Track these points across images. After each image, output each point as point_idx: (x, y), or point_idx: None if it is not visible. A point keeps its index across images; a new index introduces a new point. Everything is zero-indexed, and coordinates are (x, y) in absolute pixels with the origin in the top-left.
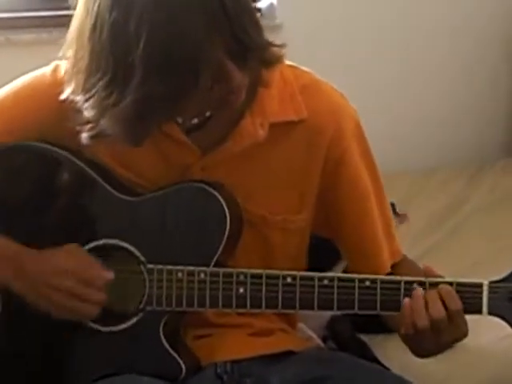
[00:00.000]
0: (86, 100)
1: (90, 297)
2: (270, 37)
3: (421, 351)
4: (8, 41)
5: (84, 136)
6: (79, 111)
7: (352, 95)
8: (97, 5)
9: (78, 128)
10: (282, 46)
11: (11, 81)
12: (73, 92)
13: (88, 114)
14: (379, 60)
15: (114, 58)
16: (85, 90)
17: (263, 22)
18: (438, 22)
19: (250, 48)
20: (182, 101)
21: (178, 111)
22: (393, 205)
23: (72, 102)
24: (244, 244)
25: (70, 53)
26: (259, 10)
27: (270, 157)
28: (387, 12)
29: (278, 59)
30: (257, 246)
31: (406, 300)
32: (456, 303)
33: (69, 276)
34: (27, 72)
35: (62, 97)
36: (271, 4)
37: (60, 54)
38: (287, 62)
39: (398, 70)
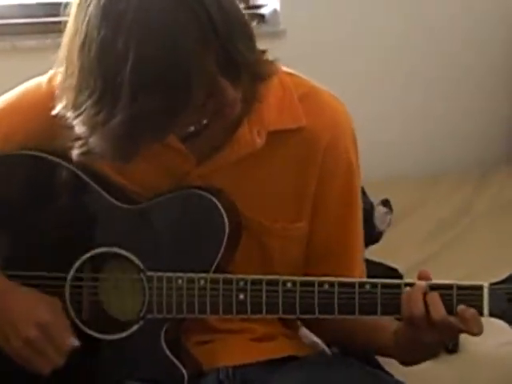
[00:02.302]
0: (76, 117)
1: (50, 357)
2: (273, 43)
3: (413, 352)
4: (13, 47)
5: (75, 153)
6: (70, 127)
7: (354, 101)
8: (86, 22)
9: (69, 144)
10: (274, 60)
11: (16, 86)
12: (64, 107)
13: (78, 130)
14: (382, 67)
15: (102, 76)
16: (75, 107)
17: (266, 29)
18: (441, 32)
19: (241, 64)
20: (173, 118)
21: (170, 128)
22: (388, 201)
23: (63, 117)
24: (242, 251)
25: (62, 68)
26: (263, 16)
27: (268, 164)
28: (391, 18)
29: (271, 74)
30: (255, 253)
31: (407, 289)
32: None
33: (38, 328)
34: (32, 78)
35: (54, 112)
36: (275, 10)
37: (53, 68)
38: (286, 70)
39: (402, 77)
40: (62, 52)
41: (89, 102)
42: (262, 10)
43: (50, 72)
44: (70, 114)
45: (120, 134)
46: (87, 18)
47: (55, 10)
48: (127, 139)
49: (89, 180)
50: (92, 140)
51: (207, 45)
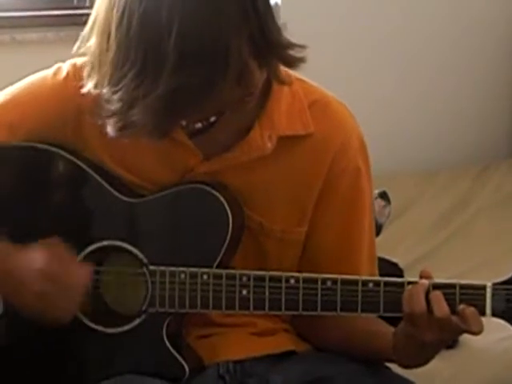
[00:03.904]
0: (114, 92)
1: (65, 300)
2: None
3: (412, 353)
4: (14, 40)
5: (110, 129)
6: (100, 106)
7: (354, 95)
8: None
9: (100, 122)
10: (302, 46)
11: (17, 80)
12: (96, 85)
13: (114, 106)
14: (383, 60)
15: (144, 48)
16: (112, 82)
17: None
18: (441, 25)
19: (274, 45)
20: (210, 93)
21: (205, 105)
22: (385, 193)
23: (85, 99)
24: (240, 249)
25: (93, 45)
26: None
27: (275, 168)
28: (391, 13)
29: (300, 60)
30: (250, 253)
31: (409, 287)
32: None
33: (47, 279)
34: (33, 71)
35: (83, 91)
36: (275, 4)
37: (74, 48)
38: (296, 76)
39: (402, 69)
40: (92, 29)
41: (129, 75)
42: None
43: (56, 66)
44: (105, 91)
45: (161, 106)
46: None
47: (56, 3)
48: (167, 111)
49: (92, 173)
50: (130, 114)
51: (246, 21)
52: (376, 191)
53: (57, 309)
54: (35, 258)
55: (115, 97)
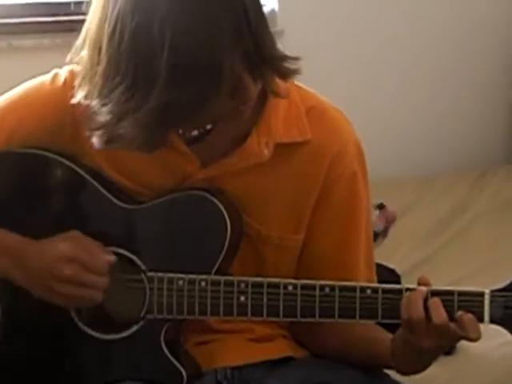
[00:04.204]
0: (103, 105)
1: (94, 283)
2: None
3: (410, 360)
4: (10, 46)
5: (96, 141)
6: (89, 117)
7: (354, 101)
8: (116, 9)
9: (88, 133)
10: (296, 58)
11: (13, 86)
12: (86, 96)
13: (103, 118)
14: (380, 66)
15: (135, 62)
16: (101, 95)
17: None
18: (440, 30)
19: (268, 58)
20: (202, 108)
21: (197, 118)
22: (382, 205)
23: (80, 107)
24: (238, 256)
25: (84, 56)
26: None
27: (272, 175)
28: (390, 18)
29: (294, 71)
30: (249, 259)
31: (407, 293)
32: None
33: (71, 263)
34: (30, 77)
35: (74, 101)
36: (272, 10)
37: (67, 58)
38: (293, 83)
39: (400, 76)
40: (85, 40)
41: (120, 89)
42: None
43: (53, 72)
44: (95, 102)
45: (151, 120)
46: (118, 5)
47: (52, 9)
48: (158, 126)
49: (91, 179)
50: (119, 128)
51: (240, 36)
52: (374, 203)
53: (85, 290)
54: (60, 247)
55: (104, 109)
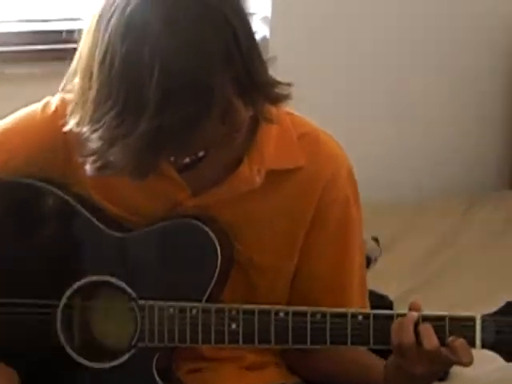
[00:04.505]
0: (94, 130)
1: None
2: None
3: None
4: (2, 74)
5: (88, 168)
6: (81, 144)
7: (346, 130)
8: (107, 36)
9: (80, 160)
10: (288, 84)
11: (6, 114)
12: (78, 123)
13: (94, 144)
14: (372, 95)
15: (125, 87)
16: (93, 121)
17: None
18: (431, 62)
19: (259, 84)
20: (193, 133)
21: (188, 144)
22: (376, 239)
23: (71, 135)
24: (229, 283)
25: (76, 84)
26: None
27: (264, 203)
28: (381, 47)
29: (285, 97)
30: (240, 286)
31: (398, 319)
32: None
33: None
34: (22, 105)
35: (66, 129)
36: (264, 37)
37: (60, 86)
38: (285, 109)
39: (392, 104)
40: (76, 66)
41: (110, 114)
42: None
43: (44, 100)
44: (86, 129)
45: (141, 146)
46: (109, 31)
47: (45, 38)
48: (148, 151)
49: (80, 207)
50: (110, 154)
51: (230, 61)
52: (369, 236)
53: None
54: None
55: (95, 135)
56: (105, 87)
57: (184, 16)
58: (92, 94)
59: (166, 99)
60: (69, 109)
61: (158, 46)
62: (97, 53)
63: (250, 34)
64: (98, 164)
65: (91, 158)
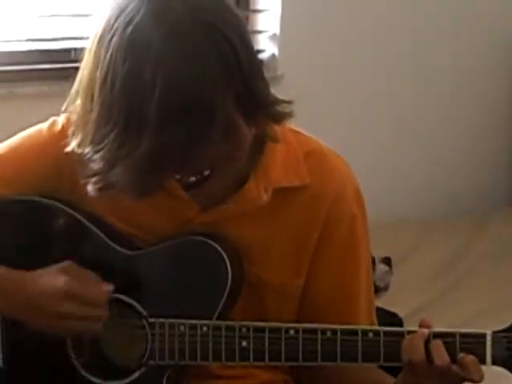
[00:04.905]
0: (96, 152)
1: (93, 316)
2: (271, 88)
3: None
4: (11, 94)
5: (90, 188)
6: (84, 164)
7: (353, 147)
8: (108, 56)
9: (82, 181)
10: (289, 102)
11: (14, 133)
12: (79, 144)
13: (96, 165)
14: (380, 112)
15: (127, 107)
16: (94, 142)
17: (265, 74)
18: (438, 78)
19: (260, 104)
20: (195, 152)
21: (191, 163)
22: (389, 260)
23: (76, 155)
24: (240, 302)
25: (78, 105)
26: (261, 61)
27: (271, 221)
28: (389, 65)
29: (287, 115)
30: (250, 305)
31: (408, 336)
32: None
33: (69, 299)
34: (30, 125)
35: (68, 149)
36: (273, 55)
37: (63, 107)
38: (291, 127)
39: (400, 121)
40: (78, 87)
41: (112, 135)
42: (260, 56)
43: (51, 119)
44: (88, 150)
45: (144, 166)
46: (110, 51)
47: (53, 57)
48: (150, 171)
49: (91, 225)
50: (112, 174)
51: (231, 80)
52: (381, 255)
53: (85, 323)
54: (54, 281)
55: (97, 156)
56: (106, 108)
57: (185, 36)
58: (93, 115)
59: (167, 119)
60: (70, 130)
61: (159, 65)
62: (98, 73)
63: (251, 52)
64: (99, 185)
65: (93, 179)
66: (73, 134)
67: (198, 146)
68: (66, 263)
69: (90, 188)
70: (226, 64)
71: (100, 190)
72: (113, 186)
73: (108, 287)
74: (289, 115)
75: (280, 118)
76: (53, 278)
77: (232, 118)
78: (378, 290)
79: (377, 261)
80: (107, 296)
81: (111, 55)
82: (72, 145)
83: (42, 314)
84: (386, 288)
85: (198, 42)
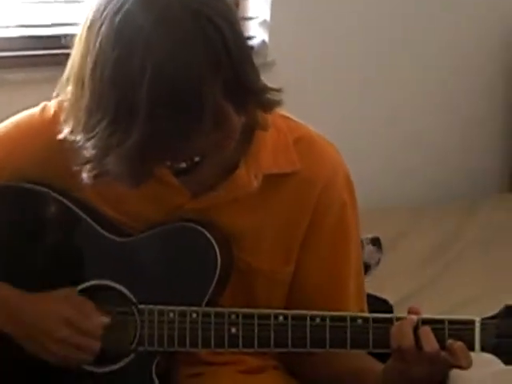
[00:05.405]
0: (88, 139)
1: (86, 346)
2: (262, 74)
3: None
4: (3, 80)
5: (85, 176)
6: (77, 151)
7: (345, 133)
8: (98, 42)
9: (76, 168)
10: (279, 90)
11: (5, 119)
12: (72, 131)
13: (89, 153)
14: (371, 98)
15: (116, 95)
16: (86, 130)
17: (255, 60)
18: (431, 63)
19: (250, 91)
20: (185, 140)
21: (181, 151)
22: (378, 240)
23: (68, 141)
24: (229, 288)
25: (69, 91)
26: (251, 47)
27: (262, 207)
28: (379, 52)
29: (277, 103)
30: (239, 292)
31: (397, 322)
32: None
33: (66, 325)
34: (20, 110)
35: (60, 137)
36: (263, 41)
37: (54, 93)
38: (281, 113)
39: (390, 108)
40: (69, 74)
41: (103, 124)
42: (251, 42)
43: (42, 104)
44: (80, 137)
45: (135, 155)
46: (99, 39)
47: (44, 43)
48: (142, 159)
49: (80, 212)
50: (105, 162)
51: (219, 67)
52: (368, 236)
53: (77, 352)
54: (56, 307)
55: (89, 144)
56: (96, 96)
57: (174, 23)
58: (84, 102)
59: (156, 108)
60: (62, 116)
61: (148, 52)
62: (88, 60)
63: (240, 39)
64: (94, 172)
65: (87, 167)
66: (65, 121)
67: (188, 135)
68: (67, 290)
69: (84, 175)
70: (214, 50)
71: (95, 177)
72: (107, 173)
73: (104, 320)
74: (278, 103)
75: (269, 105)
76: (54, 304)
77: (221, 105)
78: (369, 268)
79: (364, 243)
80: (102, 329)
81: (101, 42)
82: (64, 132)
83: (36, 335)
84: (377, 263)
85: (187, 28)
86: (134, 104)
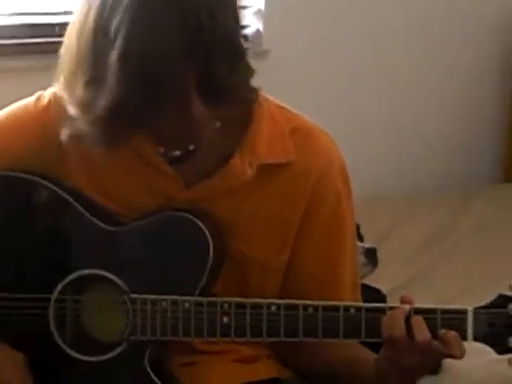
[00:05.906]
0: (71, 98)
1: None
2: (256, 63)
3: (395, 379)
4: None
5: (63, 134)
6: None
7: (339, 122)
8: (86, 11)
9: (63, 134)
10: (256, 89)
11: (2, 107)
12: (62, 89)
13: (72, 111)
14: (366, 87)
15: (93, 57)
16: (69, 87)
17: (250, 49)
18: (426, 51)
19: (221, 87)
20: (150, 117)
21: (151, 129)
22: (374, 251)
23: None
24: (222, 278)
25: (64, 61)
26: (245, 36)
27: (256, 197)
28: (374, 40)
29: (250, 101)
30: (233, 282)
31: (389, 311)
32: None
33: None
34: (17, 99)
35: (52, 90)
36: (257, 30)
37: (53, 80)
38: (277, 103)
39: (385, 96)
40: (64, 44)
41: (80, 83)
42: (245, 31)
43: (37, 93)
44: (65, 95)
45: (104, 118)
46: (88, 8)
47: (39, 31)
48: (111, 124)
49: (72, 201)
50: (82, 121)
51: (190, 53)
52: (365, 245)
53: None
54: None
55: (72, 101)
56: (79, 57)
57: (157, 3)
58: (71, 65)
59: (123, 75)
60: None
61: (124, 19)
62: (76, 26)
63: (219, 29)
64: (71, 130)
65: (67, 123)
66: (58, 77)
67: (151, 112)
68: (13, 352)
69: (62, 132)
70: (186, 37)
71: (70, 137)
72: (82, 133)
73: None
74: (251, 101)
75: (242, 103)
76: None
77: (188, 92)
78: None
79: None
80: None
81: (88, 10)
82: (56, 87)
83: None
84: (365, 277)
85: (165, 10)
86: (105, 68)
